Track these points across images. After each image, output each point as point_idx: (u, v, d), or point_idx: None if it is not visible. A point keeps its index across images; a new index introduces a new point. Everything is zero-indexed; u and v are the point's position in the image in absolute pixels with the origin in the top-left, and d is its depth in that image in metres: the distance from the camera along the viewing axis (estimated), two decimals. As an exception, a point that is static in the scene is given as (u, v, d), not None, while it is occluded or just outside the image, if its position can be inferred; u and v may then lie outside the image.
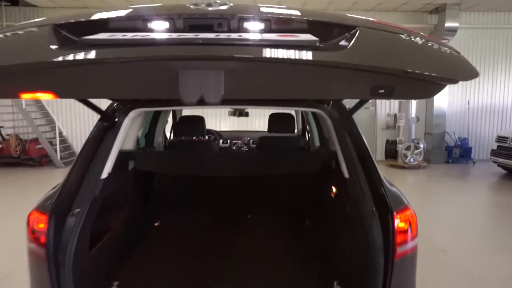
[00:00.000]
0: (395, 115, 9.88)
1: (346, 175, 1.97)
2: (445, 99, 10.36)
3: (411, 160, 9.38)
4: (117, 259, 2.29)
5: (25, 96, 1.25)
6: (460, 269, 3.53)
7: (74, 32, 1.19)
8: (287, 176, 3.12)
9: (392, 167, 9.47)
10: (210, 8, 1.18)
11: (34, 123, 9.40)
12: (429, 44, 1.17)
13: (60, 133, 10.07)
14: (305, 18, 1.26)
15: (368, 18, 1.27)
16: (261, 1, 9.72)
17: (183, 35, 1.12)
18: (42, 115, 10.31)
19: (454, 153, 10.27)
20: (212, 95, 1.08)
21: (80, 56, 1.07)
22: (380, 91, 1.19)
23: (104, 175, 2.01)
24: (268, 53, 1.07)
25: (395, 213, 1.60)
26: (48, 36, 1.13)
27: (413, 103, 9.50)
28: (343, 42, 1.14)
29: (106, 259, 2.11)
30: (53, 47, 1.09)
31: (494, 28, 10.45)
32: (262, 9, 1.25)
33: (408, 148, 9.40)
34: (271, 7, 1.28)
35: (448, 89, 10.38)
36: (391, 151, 9.76)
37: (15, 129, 10.11)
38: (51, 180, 7.97)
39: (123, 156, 2.38)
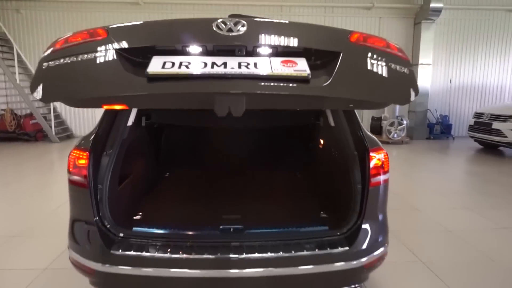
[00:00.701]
0: (381, 92, 10.29)
1: (332, 124, 2.37)
2: (428, 79, 10.82)
3: (395, 135, 9.88)
4: (138, 197, 2.64)
5: (106, 107, 1.89)
6: (432, 223, 4.01)
7: (138, 55, 1.59)
8: (284, 128, 3.54)
9: (377, 143, 9.96)
10: (231, 34, 1.53)
11: (29, 98, 9.50)
12: (392, 68, 1.61)
13: (54, 109, 10.20)
14: (300, 46, 1.62)
15: (350, 42, 1.66)
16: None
17: (219, 71, 1.49)
18: (35, 91, 10.39)
19: (435, 130, 10.81)
20: (237, 111, 1.51)
21: (153, 89, 1.48)
22: (350, 105, 1.90)
23: (130, 123, 2.34)
24: (270, 89, 1.49)
25: (370, 151, 1.99)
26: (120, 67, 1.52)
27: (398, 81, 9.89)
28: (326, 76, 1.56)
29: (130, 195, 2.46)
30: (128, 79, 1.50)
31: (476, 9, 10.85)
32: (269, 36, 1.61)
33: (392, 124, 9.88)
34: (277, 32, 1.63)
35: (431, 69, 10.83)
36: (376, 127, 10.22)
37: (9, 105, 10.18)
38: (47, 154, 8.20)
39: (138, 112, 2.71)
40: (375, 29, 10.89)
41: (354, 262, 1.88)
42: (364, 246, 1.92)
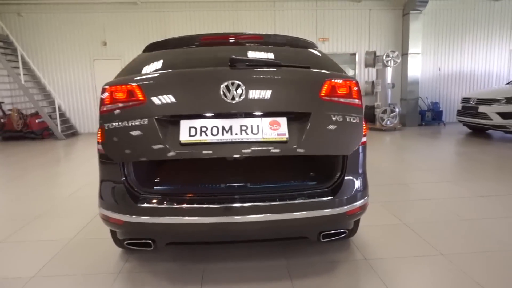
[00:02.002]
0: (373, 82, 10.71)
1: None
2: (418, 67, 11.23)
3: (388, 122, 10.29)
4: (156, 164, 2.93)
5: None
6: (416, 194, 4.42)
7: (171, 121, 2.13)
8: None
9: (371, 130, 10.38)
10: (233, 102, 2.08)
11: (34, 98, 9.86)
12: (350, 122, 2.20)
13: (59, 107, 10.56)
14: (281, 111, 2.15)
15: (320, 99, 2.17)
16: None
17: (228, 138, 2.08)
18: (39, 91, 10.74)
19: (427, 116, 11.23)
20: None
21: (185, 154, 2.05)
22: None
23: None
24: (261, 152, 2.09)
25: None
26: (158, 134, 2.06)
27: (389, 70, 10.31)
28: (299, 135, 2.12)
29: (147, 165, 2.81)
30: (166, 145, 2.06)
31: (462, -1, 11.26)
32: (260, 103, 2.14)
33: (384, 112, 10.28)
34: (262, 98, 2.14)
35: (421, 58, 11.23)
36: (370, 116, 10.63)
37: (13, 105, 10.54)
38: (55, 150, 8.58)
39: None
40: (365, 22, 11.27)
41: (338, 209, 2.27)
42: (346, 196, 2.31)
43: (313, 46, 2.77)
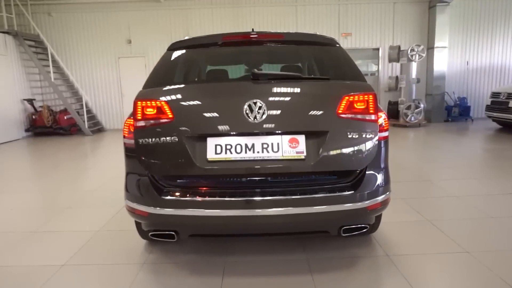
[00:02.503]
0: (397, 77, 10.47)
1: None
2: (445, 61, 10.89)
3: (412, 118, 10.05)
4: None
5: None
6: (440, 191, 4.32)
7: (199, 139, 2.25)
8: None
9: (394, 126, 10.17)
10: (256, 122, 2.18)
11: (63, 95, 10.23)
12: (366, 137, 2.28)
13: (86, 104, 10.92)
14: (300, 130, 2.23)
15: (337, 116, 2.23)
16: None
17: (251, 156, 2.20)
18: (67, 88, 11.14)
19: (454, 112, 10.90)
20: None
21: (212, 171, 2.21)
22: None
23: None
24: (280, 169, 2.22)
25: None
26: (187, 151, 2.19)
27: (414, 65, 10.06)
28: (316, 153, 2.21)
29: None
30: (195, 162, 2.20)
31: (493, -11, 10.81)
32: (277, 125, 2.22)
33: (409, 108, 10.05)
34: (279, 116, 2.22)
35: (447, 52, 10.89)
36: (393, 111, 10.42)
37: (44, 102, 10.98)
38: (82, 145, 8.88)
39: None
40: (390, 15, 11.02)
41: (359, 204, 2.26)
42: (367, 191, 2.30)
43: (333, 42, 2.74)
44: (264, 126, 2.17)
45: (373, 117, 2.28)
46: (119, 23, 11.08)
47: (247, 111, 2.18)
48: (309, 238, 3.01)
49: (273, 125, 2.18)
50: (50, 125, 10.21)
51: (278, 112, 2.20)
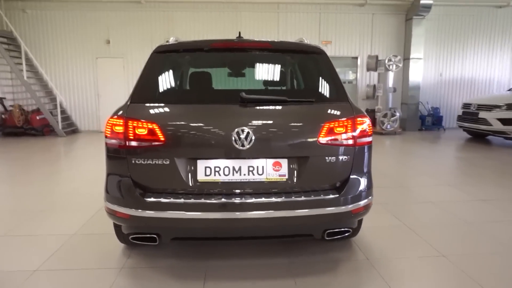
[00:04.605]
0: (374, 85, 10.74)
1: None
2: (420, 72, 11.27)
3: (388, 126, 10.32)
4: None
5: None
6: (416, 196, 4.44)
7: (188, 162, 2.32)
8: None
9: (371, 134, 10.38)
10: (243, 148, 2.25)
11: (37, 95, 9.86)
12: (342, 161, 2.40)
13: (60, 104, 10.56)
14: (283, 156, 2.34)
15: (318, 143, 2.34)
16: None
17: (237, 178, 2.31)
18: (41, 88, 10.75)
19: (427, 121, 11.26)
20: None
21: (202, 190, 2.29)
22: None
23: None
24: (264, 189, 2.34)
25: (357, 117, 2.40)
26: (178, 172, 2.26)
27: (391, 75, 10.35)
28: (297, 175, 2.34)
29: None
30: (185, 182, 2.27)
31: (465, 5, 11.30)
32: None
33: (385, 116, 10.31)
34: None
35: (423, 63, 11.28)
36: (370, 119, 10.61)
37: (15, 101, 10.54)
38: (56, 147, 8.58)
39: None
40: (368, 26, 11.32)
41: (343, 207, 2.29)
42: (351, 195, 2.34)
43: (318, 50, 2.76)
44: (250, 151, 2.27)
45: (351, 142, 2.39)
46: (97, 23, 10.83)
47: (235, 138, 2.24)
48: (292, 242, 3.02)
49: (258, 151, 2.29)
50: (21, 125, 9.80)
51: (264, 138, 2.29)
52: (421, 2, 10.51)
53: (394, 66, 10.10)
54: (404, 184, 5.08)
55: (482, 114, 8.38)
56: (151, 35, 10.88)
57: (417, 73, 11.20)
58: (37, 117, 9.96)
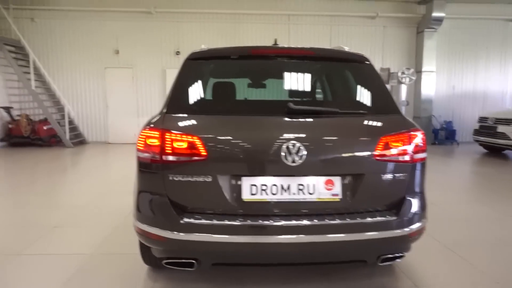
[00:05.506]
0: (386, 98, 10.55)
1: None
2: (432, 85, 11.13)
3: (401, 140, 10.10)
4: None
5: None
6: (451, 215, 4.21)
7: (233, 179, 2.10)
8: None
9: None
10: (293, 165, 2.03)
11: (44, 104, 9.70)
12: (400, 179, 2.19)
13: (68, 115, 10.37)
14: (336, 173, 2.13)
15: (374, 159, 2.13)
16: None
17: (286, 197, 2.08)
18: (48, 97, 10.60)
19: (440, 135, 11.07)
20: None
21: (248, 210, 2.06)
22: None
23: None
24: (316, 210, 2.12)
25: (412, 131, 2.21)
26: (221, 191, 2.04)
27: (403, 88, 10.19)
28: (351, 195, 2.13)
29: None
30: (230, 202, 2.04)
31: (477, 19, 11.23)
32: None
33: (398, 129, 10.10)
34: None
35: (435, 76, 11.15)
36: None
37: (22, 111, 10.37)
38: (63, 158, 8.37)
39: None
40: (380, 38, 11.23)
41: (400, 231, 2.08)
42: (408, 217, 2.13)
43: (364, 60, 2.57)
44: (301, 168, 2.05)
45: (407, 157, 2.18)
46: (107, 33, 10.74)
47: (285, 153, 2.03)
48: (332, 267, 2.78)
49: (309, 167, 2.07)
50: (28, 135, 9.60)
51: (316, 153, 2.09)
52: (433, 15, 10.45)
53: (408, 79, 9.95)
54: (431, 200, 4.83)
55: (501, 128, 8.19)
56: (161, 46, 10.78)
57: (430, 86, 11.06)
58: (44, 127, 9.77)
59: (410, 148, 2.19)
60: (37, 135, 9.66)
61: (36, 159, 8.04)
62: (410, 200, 2.19)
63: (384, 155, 2.13)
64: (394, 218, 2.10)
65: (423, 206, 2.27)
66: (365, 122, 2.26)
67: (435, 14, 10.43)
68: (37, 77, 10.30)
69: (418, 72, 11.09)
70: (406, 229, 2.11)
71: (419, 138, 2.25)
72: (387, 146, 2.14)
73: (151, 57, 10.77)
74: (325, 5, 10.98)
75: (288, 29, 11.04)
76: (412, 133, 2.23)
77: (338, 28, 11.13)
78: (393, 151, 2.15)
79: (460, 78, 11.55)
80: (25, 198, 4.84)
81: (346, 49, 2.78)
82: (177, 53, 10.77)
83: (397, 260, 2.34)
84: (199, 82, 2.39)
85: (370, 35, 11.21)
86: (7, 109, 9.72)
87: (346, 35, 11.15)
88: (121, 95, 10.83)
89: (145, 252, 2.51)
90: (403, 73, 9.96)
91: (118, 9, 10.53)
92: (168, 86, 10.84)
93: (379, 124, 2.26)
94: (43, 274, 2.70)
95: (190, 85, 2.35)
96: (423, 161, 2.27)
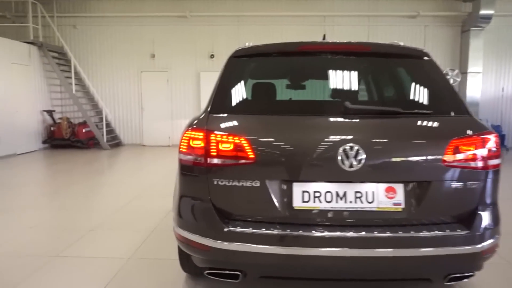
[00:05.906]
0: (428, 101, 10.03)
1: None
2: (478, 87, 10.44)
3: (445, 145, 9.54)
4: None
5: None
6: (509, 228, 3.79)
7: (282, 184, 1.91)
8: None
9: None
10: (351, 170, 1.83)
11: (84, 108, 9.99)
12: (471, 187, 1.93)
13: (106, 118, 10.65)
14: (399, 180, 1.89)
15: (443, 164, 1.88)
16: None
17: (342, 206, 1.87)
18: (88, 101, 10.92)
19: (487, 140, 10.33)
20: None
21: (298, 219, 1.87)
22: None
23: None
24: (375, 219, 1.90)
25: (484, 133, 1.93)
26: (270, 197, 1.86)
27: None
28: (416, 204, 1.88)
29: None
30: (278, 209, 1.87)
31: (529, 16, 10.45)
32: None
33: (441, 134, 9.55)
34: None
35: (481, 77, 10.47)
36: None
37: (63, 114, 10.75)
38: (101, 160, 8.53)
39: None
40: (421, 38, 10.71)
41: (473, 247, 1.81)
42: (481, 232, 1.85)
43: (426, 55, 2.32)
44: (359, 174, 1.85)
45: (480, 164, 1.91)
46: (143, 37, 10.95)
47: (342, 157, 1.83)
48: (387, 283, 2.52)
49: (368, 173, 1.86)
50: (68, 138, 9.92)
51: (376, 157, 1.88)
52: (481, 12, 9.80)
53: (452, 80, 9.37)
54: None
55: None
56: (195, 49, 10.84)
57: (476, 88, 10.38)
58: (83, 130, 10.06)
59: (483, 153, 1.92)
60: (77, 138, 9.95)
61: (75, 161, 8.24)
62: (483, 212, 1.91)
63: (454, 160, 1.87)
64: (465, 232, 1.83)
65: (496, 220, 1.98)
66: (432, 123, 2.00)
67: (483, 11, 9.79)
68: (78, 81, 10.64)
69: (463, 73, 10.47)
70: (478, 246, 1.84)
71: (492, 142, 1.97)
72: (457, 150, 1.88)
73: (185, 61, 10.84)
74: (362, 5, 10.64)
75: (324, 30, 10.76)
76: (485, 136, 1.95)
77: (377, 28, 10.73)
78: (465, 156, 1.89)
79: (509, 80, 10.78)
80: (63, 200, 4.90)
81: (402, 44, 2.54)
82: (211, 56, 10.80)
83: (465, 280, 2.06)
84: (244, 80, 2.24)
85: (411, 35, 10.70)
86: (50, 113, 10.09)
87: (385, 35, 10.71)
88: (156, 99, 10.98)
89: (184, 259, 2.38)
90: (447, 74, 9.40)
91: (155, 14, 10.72)
92: (202, 89, 10.90)
93: (448, 125, 2.00)
94: (80, 278, 2.63)
95: (235, 83, 2.19)
96: (497, 168, 1.99)
